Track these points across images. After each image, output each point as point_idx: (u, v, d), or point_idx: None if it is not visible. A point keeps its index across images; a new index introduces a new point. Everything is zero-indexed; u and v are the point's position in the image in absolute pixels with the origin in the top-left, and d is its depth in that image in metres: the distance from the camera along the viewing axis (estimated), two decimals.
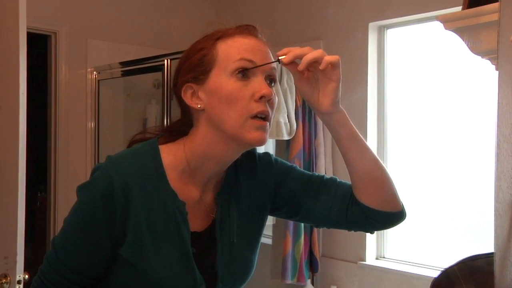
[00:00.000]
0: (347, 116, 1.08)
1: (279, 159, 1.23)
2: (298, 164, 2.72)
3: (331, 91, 1.03)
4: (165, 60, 2.86)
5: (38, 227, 4.28)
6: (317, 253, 2.92)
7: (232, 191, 1.14)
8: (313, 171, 2.83)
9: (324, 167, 2.91)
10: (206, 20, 3.45)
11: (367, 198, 1.12)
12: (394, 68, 2.90)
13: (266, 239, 3.06)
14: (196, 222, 1.09)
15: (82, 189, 1.04)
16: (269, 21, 3.21)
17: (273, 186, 1.19)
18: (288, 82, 2.78)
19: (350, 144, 1.09)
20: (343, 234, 2.92)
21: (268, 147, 2.87)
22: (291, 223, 2.84)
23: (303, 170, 1.23)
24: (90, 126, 3.25)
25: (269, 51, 1.07)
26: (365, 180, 1.11)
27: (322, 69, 1.01)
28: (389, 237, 2.92)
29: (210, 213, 1.12)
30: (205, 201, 1.11)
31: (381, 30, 2.90)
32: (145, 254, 1.03)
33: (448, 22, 1.32)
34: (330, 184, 1.18)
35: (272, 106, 1.05)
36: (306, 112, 2.90)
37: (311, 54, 1.00)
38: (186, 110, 1.10)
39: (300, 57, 1.01)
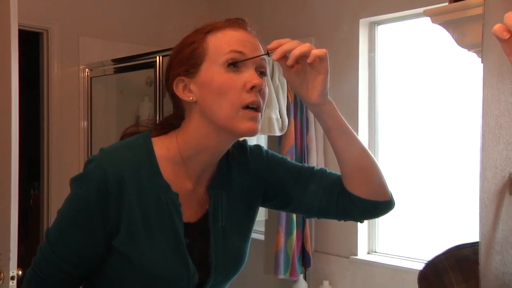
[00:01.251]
0: (336, 107, 1.10)
1: (270, 151, 1.25)
2: (290, 159, 2.74)
3: (320, 83, 1.06)
4: (157, 57, 2.87)
5: (31, 225, 4.28)
6: (310, 249, 2.94)
7: (224, 182, 1.16)
8: None
9: (316, 162, 2.93)
10: (198, 17, 3.46)
11: (356, 187, 1.14)
12: (385, 64, 2.92)
13: (258, 234, 3.09)
14: (189, 214, 1.11)
15: (76, 181, 1.05)
16: (261, 18, 3.22)
17: (264, 177, 1.21)
18: (280, 78, 2.80)
19: (339, 134, 1.12)
20: (335, 229, 2.95)
21: (260, 143, 2.86)
22: (283, 219, 2.86)
23: (294, 162, 1.25)
24: (82, 123, 3.26)
25: (259, 43, 1.09)
26: (353, 170, 1.13)
27: (310, 63, 1.03)
28: (380, 232, 2.95)
29: (203, 204, 1.13)
30: (198, 192, 1.13)
31: (372, 27, 2.92)
32: (139, 246, 1.04)
33: (435, 16, 1.35)
34: (320, 175, 1.20)
35: (263, 97, 1.06)
36: (298, 108, 2.92)
37: (298, 49, 1.03)
38: (178, 104, 1.11)
39: (289, 52, 1.03)
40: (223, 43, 1.05)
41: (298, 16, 3.17)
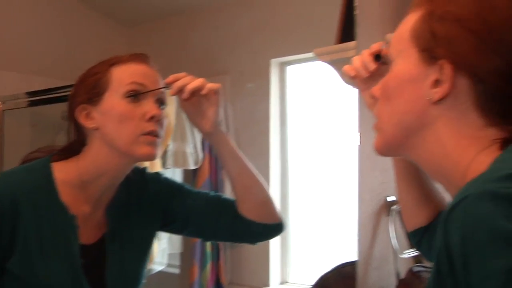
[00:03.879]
0: (227, 136, 1.21)
1: (168, 177, 1.33)
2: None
3: (212, 114, 1.17)
4: None
5: None
6: (224, 280, 2.99)
7: (123, 206, 1.22)
8: None
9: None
10: (117, 53, 3.50)
11: (246, 210, 1.24)
12: (295, 101, 3.07)
13: (172, 268, 3.10)
14: (87, 236, 1.16)
15: None
16: (178, 55, 3.32)
17: (163, 201, 1.28)
18: None
19: (230, 160, 1.22)
20: (249, 260, 3.01)
21: (175, 177, 2.93)
22: (197, 251, 2.90)
23: (191, 188, 1.33)
24: None
25: (159, 77, 1.19)
26: (241, 191, 1.24)
27: (205, 95, 1.14)
28: (292, 262, 3.04)
29: (101, 227, 1.19)
30: (97, 215, 1.18)
31: (282, 67, 3.09)
32: (34, 266, 1.07)
33: (322, 55, 1.50)
34: (216, 200, 1.29)
35: (162, 126, 1.16)
36: None
37: (191, 84, 1.14)
38: (80, 130, 1.18)
39: (183, 87, 1.14)
40: (125, 75, 1.14)
41: (214, 55, 3.29)
